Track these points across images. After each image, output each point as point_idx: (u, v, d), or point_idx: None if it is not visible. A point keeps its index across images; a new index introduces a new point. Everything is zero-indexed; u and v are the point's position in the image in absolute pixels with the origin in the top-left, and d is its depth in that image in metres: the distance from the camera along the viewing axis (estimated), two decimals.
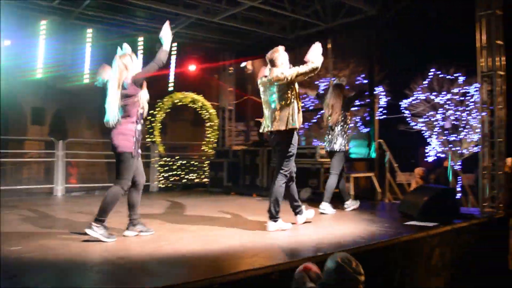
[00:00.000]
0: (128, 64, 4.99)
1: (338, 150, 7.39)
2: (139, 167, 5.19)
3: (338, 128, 7.45)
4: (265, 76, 5.76)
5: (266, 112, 5.77)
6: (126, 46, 5.17)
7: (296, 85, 5.66)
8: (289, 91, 5.56)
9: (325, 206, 7.15)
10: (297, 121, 5.57)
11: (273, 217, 5.59)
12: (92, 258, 4.16)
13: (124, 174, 4.93)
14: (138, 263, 3.99)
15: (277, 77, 5.55)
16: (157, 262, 4.02)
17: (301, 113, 5.69)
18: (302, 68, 5.52)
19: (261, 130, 5.94)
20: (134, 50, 11.61)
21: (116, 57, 5.04)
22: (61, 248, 4.43)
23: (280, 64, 5.64)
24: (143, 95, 5.05)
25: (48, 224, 5.96)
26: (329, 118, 7.49)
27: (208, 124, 13.81)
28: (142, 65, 5.37)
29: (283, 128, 5.53)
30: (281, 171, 5.63)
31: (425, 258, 5.45)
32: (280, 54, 5.68)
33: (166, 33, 5.09)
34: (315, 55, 5.56)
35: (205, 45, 12.84)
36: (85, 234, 4.74)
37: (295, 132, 5.65)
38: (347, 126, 7.55)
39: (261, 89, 5.84)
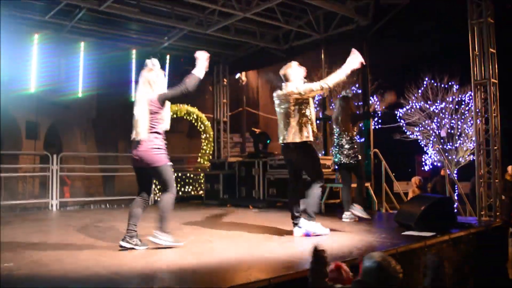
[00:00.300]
0: (152, 79, 5.04)
1: (347, 162, 7.54)
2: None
3: (343, 141, 7.53)
4: (280, 90, 5.98)
5: (281, 125, 5.96)
6: (154, 61, 5.18)
7: (310, 99, 5.91)
8: (303, 105, 5.81)
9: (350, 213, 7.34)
10: (311, 133, 5.83)
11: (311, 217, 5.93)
12: (86, 274, 4.08)
13: (169, 182, 5.06)
14: (131, 278, 3.92)
15: (291, 92, 5.77)
16: (150, 277, 3.96)
17: (314, 126, 5.91)
18: (315, 86, 5.74)
19: (280, 141, 6.11)
20: (127, 63, 11.69)
21: (142, 72, 5.11)
22: (54, 264, 4.36)
23: (293, 79, 5.89)
24: (166, 111, 5.11)
25: (42, 240, 5.88)
26: (336, 131, 7.60)
27: (203, 136, 13.79)
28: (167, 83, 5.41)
29: (298, 140, 5.77)
30: (315, 177, 5.96)
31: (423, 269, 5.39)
32: (292, 69, 5.95)
33: (202, 58, 5.10)
34: (353, 61, 5.81)
35: None
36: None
37: (310, 144, 5.89)
38: (355, 139, 7.69)
39: (276, 102, 6.03)
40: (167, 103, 5.09)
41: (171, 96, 5.02)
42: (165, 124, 5.10)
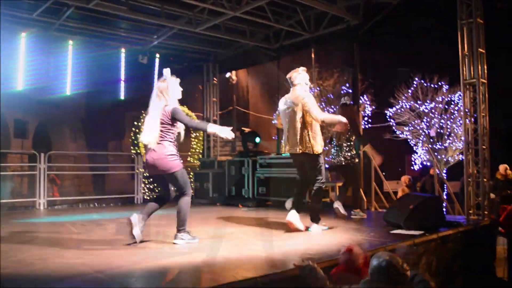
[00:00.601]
0: (165, 90, 5.22)
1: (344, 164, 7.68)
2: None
3: (342, 144, 7.73)
4: (289, 97, 6.13)
5: (288, 133, 6.12)
6: (165, 71, 5.36)
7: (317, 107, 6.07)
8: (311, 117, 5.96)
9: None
10: (319, 144, 5.99)
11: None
12: (70, 273, 4.04)
13: (185, 186, 5.24)
14: (116, 276, 3.88)
15: (303, 101, 5.92)
16: (135, 275, 3.92)
17: (320, 137, 6.06)
18: (318, 114, 5.90)
19: (282, 151, 6.45)
20: (116, 62, 11.60)
21: (158, 82, 5.37)
22: (38, 263, 4.31)
23: (298, 84, 6.06)
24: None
25: (27, 239, 5.81)
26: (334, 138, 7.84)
27: (193, 135, 13.73)
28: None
29: (303, 150, 5.93)
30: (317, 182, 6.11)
31: (411, 267, 5.39)
32: (298, 74, 6.11)
33: (226, 133, 5.31)
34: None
35: (188, 56, 12.77)
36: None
37: (317, 154, 6.01)
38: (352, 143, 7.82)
39: (283, 108, 6.17)
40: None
41: (182, 121, 5.25)
42: (177, 132, 5.31)
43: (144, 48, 11.54)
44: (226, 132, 5.28)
